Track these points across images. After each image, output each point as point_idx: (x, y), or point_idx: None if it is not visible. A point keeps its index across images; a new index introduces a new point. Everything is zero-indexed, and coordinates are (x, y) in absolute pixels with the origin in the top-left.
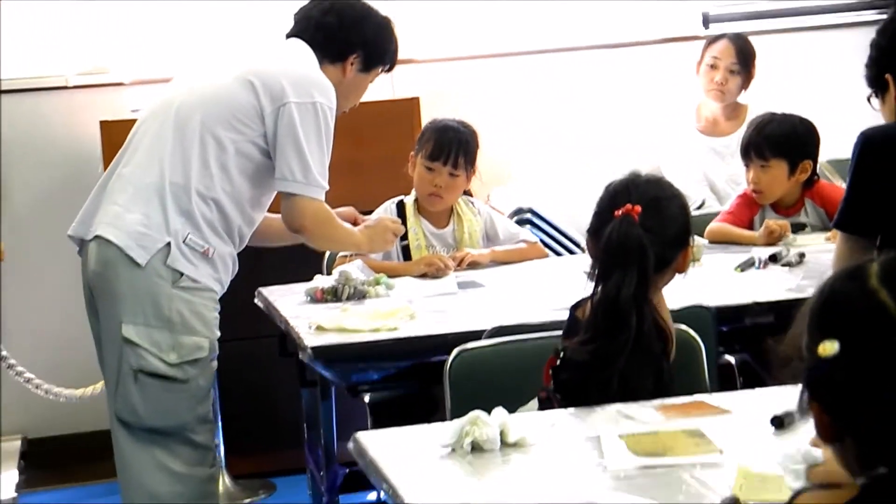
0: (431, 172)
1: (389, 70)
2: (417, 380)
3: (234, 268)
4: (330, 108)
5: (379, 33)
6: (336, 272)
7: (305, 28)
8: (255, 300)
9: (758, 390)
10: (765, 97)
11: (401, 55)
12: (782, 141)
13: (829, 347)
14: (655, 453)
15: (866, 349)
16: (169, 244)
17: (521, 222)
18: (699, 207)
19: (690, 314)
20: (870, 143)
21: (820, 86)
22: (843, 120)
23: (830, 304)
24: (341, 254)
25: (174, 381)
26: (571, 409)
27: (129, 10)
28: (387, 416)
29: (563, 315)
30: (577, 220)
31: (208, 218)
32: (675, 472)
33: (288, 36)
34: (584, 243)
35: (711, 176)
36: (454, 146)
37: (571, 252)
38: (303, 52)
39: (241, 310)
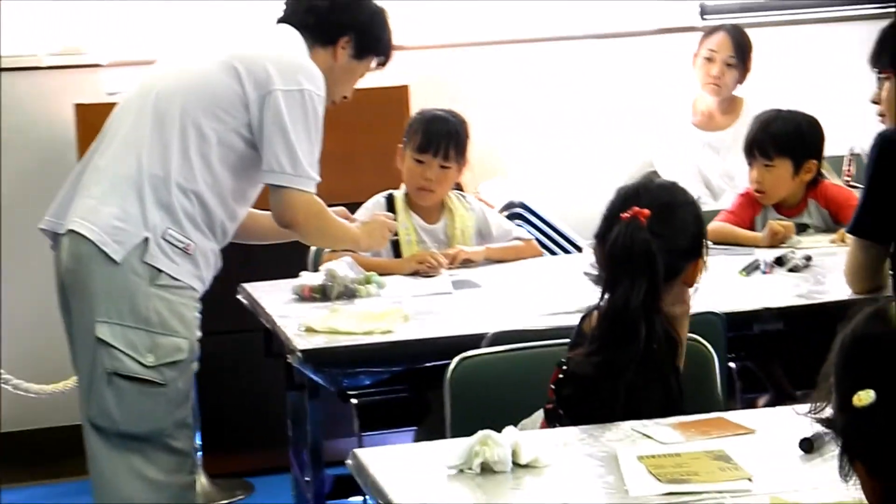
0: (421, 165)
1: (384, 64)
2: (410, 384)
3: (216, 264)
4: (319, 96)
5: (372, 18)
6: (323, 269)
7: (295, 11)
8: (238, 296)
9: (780, 408)
10: (761, 91)
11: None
12: (787, 140)
13: (864, 397)
14: (680, 479)
15: None
16: (147, 239)
17: (511, 217)
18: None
19: (700, 321)
20: (888, 145)
21: (817, 80)
22: (840, 116)
23: (859, 350)
24: (328, 249)
25: (151, 385)
26: (583, 427)
27: None
28: (375, 419)
29: (566, 320)
30: (570, 215)
31: (189, 212)
32: (703, 501)
33: (278, 21)
34: (577, 240)
35: (706, 171)
36: (444, 137)
37: (565, 249)
38: (291, 37)
39: (220, 303)
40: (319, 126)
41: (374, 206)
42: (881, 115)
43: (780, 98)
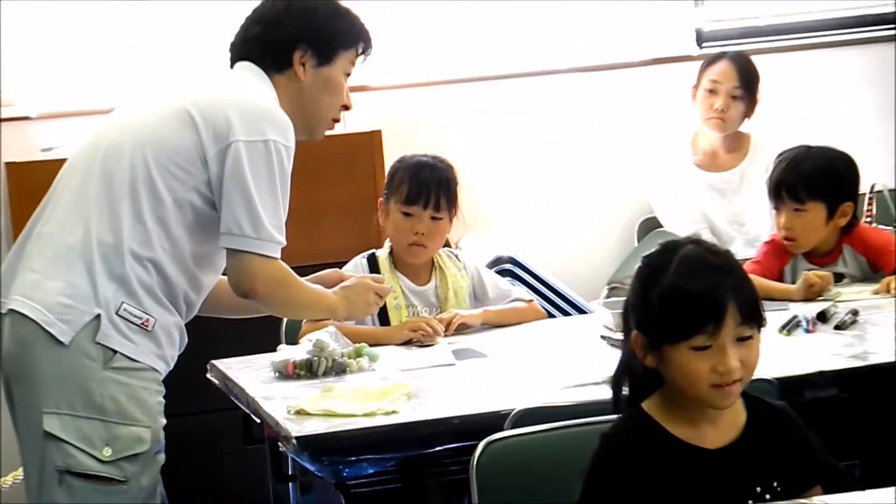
0: (410, 219)
1: (364, 52)
2: (403, 473)
3: (181, 341)
4: (286, 147)
5: (315, 16)
6: (305, 342)
7: (236, 48)
8: (209, 375)
9: (871, 492)
10: (768, 125)
11: (355, 81)
12: (820, 181)
13: None
14: None
15: None
16: (98, 317)
17: (499, 273)
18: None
19: (753, 390)
20: None
21: (830, 110)
22: (858, 150)
23: None
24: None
25: (110, 482)
26: None
27: (35, 32)
28: None
29: (593, 393)
30: (564, 271)
31: (146, 283)
32: None
33: (232, 62)
34: (576, 299)
35: (711, 216)
36: (434, 186)
37: (563, 310)
38: (253, 78)
39: (186, 383)
40: (286, 182)
41: (354, 269)
42: None
43: (790, 132)
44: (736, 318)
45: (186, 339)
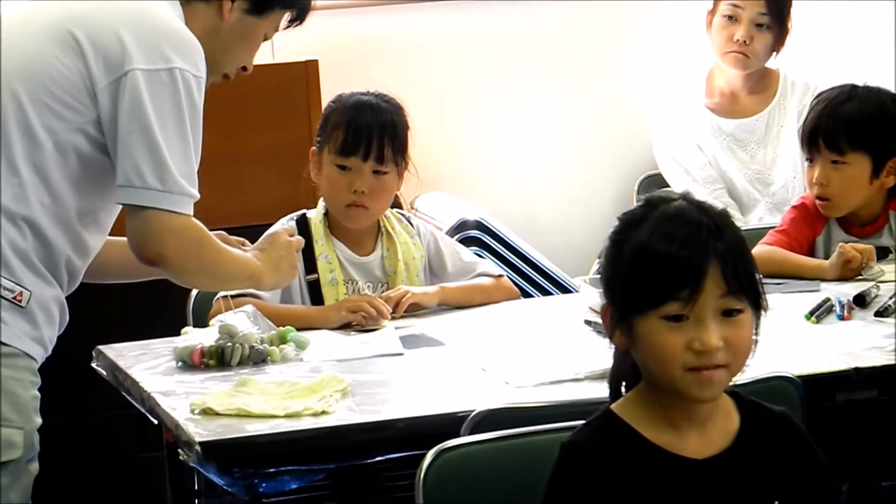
0: (347, 173)
1: (298, 21)
2: (333, 488)
3: (62, 318)
4: (196, 77)
5: None
6: (216, 322)
7: None
8: (94, 363)
9: None
10: (802, 61)
11: None
12: (866, 127)
13: None
14: None
15: None
16: None
17: (464, 243)
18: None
19: (770, 390)
20: None
21: (879, 43)
22: None
23: None
24: (221, 294)
25: None
26: None
27: None
28: None
29: (571, 391)
30: (543, 238)
31: (19, 248)
32: None
33: None
34: (558, 273)
35: (730, 173)
36: (376, 131)
37: (541, 288)
38: None
39: (66, 374)
40: (198, 121)
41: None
42: None
43: (829, 70)
44: (720, 284)
45: (67, 317)
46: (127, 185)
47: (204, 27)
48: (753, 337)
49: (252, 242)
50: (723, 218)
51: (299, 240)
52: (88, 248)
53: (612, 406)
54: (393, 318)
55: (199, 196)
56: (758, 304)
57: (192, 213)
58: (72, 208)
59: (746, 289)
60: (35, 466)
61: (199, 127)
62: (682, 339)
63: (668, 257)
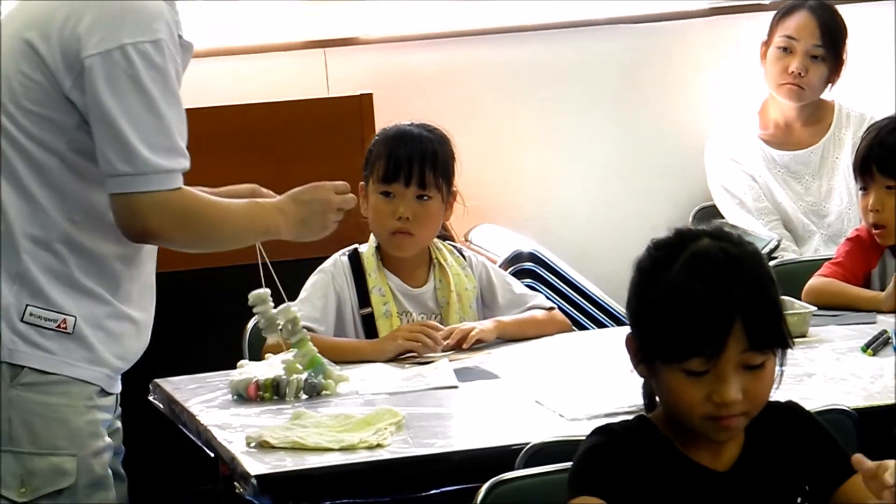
0: (391, 200)
1: None
2: None
3: (139, 330)
4: (153, 43)
5: None
6: (273, 359)
7: None
8: (150, 397)
9: None
10: (857, 93)
11: (342, 32)
12: None
13: None
14: None
15: None
16: None
17: (518, 275)
18: (773, 251)
19: (826, 423)
20: None
21: None
22: None
23: None
24: (271, 338)
25: None
26: None
27: None
28: None
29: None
30: (597, 269)
31: (59, 272)
32: None
33: None
34: (612, 305)
35: (784, 205)
36: (417, 157)
37: (596, 320)
38: None
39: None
40: (169, 85)
41: (332, 267)
42: None
43: (884, 101)
44: (742, 342)
45: (147, 332)
46: (106, 176)
47: None
48: (779, 368)
49: (304, 278)
50: (749, 257)
51: (346, 199)
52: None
53: (647, 414)
54: (458, 352)
55: (185, 165)
56: (783, 345)
57: (174, 185)
58: (102, 211)
59: (769, 342)
60: (109, 495)
61: (173, 91)
62: (702, 391)
63: (693, 315)
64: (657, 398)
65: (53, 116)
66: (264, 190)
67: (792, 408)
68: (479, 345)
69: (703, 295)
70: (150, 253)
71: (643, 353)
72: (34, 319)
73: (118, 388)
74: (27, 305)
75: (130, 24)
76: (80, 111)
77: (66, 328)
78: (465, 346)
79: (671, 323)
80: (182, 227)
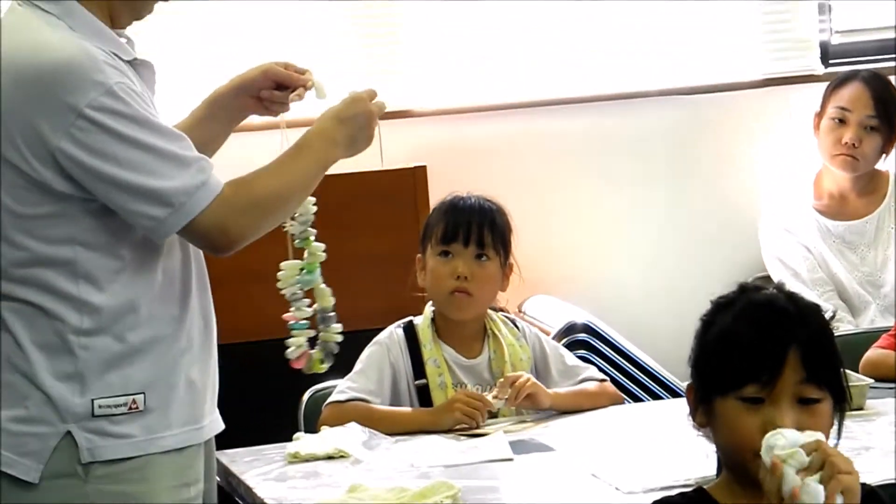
0: (449, 260)
1: None
2: None
3: (206, 380)
4: (106, 93)
5: None
6: (328, 432)
7: None
8: None
9: None
10: None
11: (395, 104)
12: None
13: None
14: None
15: None
16: (69, 433)
17: (571, 347)
18: (828, 322)
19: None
20: None
21: None
22: None
23: None
24: (330, 400)
25: None
26: None
27: None
28: None
29: None
30: (652, 341)
31: (111, 352)
32: None
33: None
34: (667, 377)
35: (839, 275)
36: (475, 219)
37: (650, 391)
38: (19, 28)
39: None
40: (145, 122)
41: (388, 339)
42: None
43: None
44: (798, 371)
45: (215, 372)
46: (147, 229)
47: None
48: (834, 440)
49: (360, 350)
50: (810, 308)
51: (380, 104)
52: (174, 269)
53: (706, 486)
54: (511, 405)
55: (207, 164)
56: (841, 398)
57: (217, 188)
58: (132, 260)
59: (826, 379)
60: None
61: (150, 123)
62: (757, 420)
63: (750, 341)
64: (717, 452)
65: (54, 211)
66: (279, 69)
67: (873, 492)
68: (532, 417)
69: (760, 321)
70: (186, 270)
71: (701, 392)
72: (105, 410)
73: (214, 428)
74: (93, 400)
75: (72, 90)
76: (72, 194)
77: (138, 406)
78: (518, 398)
79: (728, 350)
80: (255, 212)
